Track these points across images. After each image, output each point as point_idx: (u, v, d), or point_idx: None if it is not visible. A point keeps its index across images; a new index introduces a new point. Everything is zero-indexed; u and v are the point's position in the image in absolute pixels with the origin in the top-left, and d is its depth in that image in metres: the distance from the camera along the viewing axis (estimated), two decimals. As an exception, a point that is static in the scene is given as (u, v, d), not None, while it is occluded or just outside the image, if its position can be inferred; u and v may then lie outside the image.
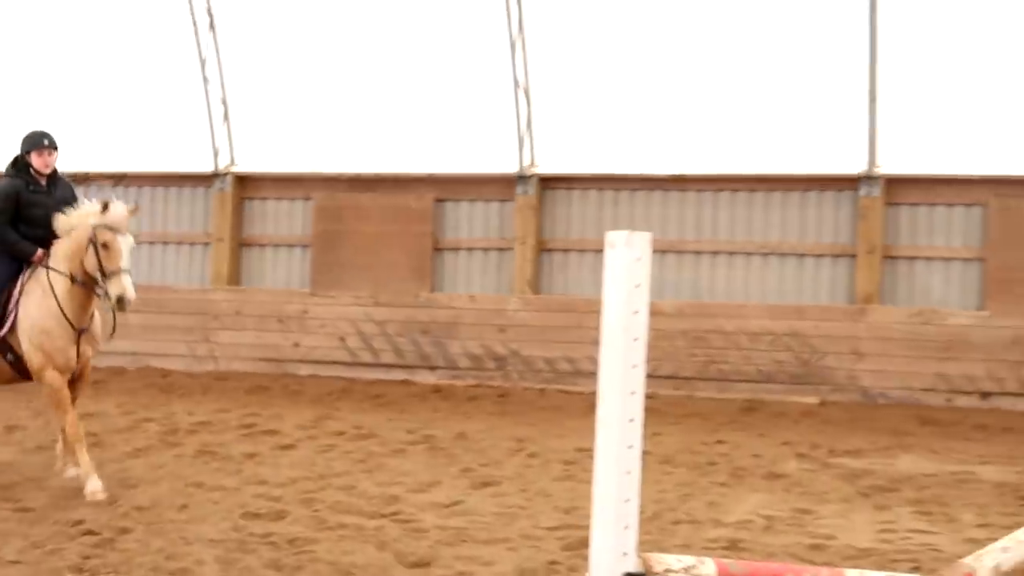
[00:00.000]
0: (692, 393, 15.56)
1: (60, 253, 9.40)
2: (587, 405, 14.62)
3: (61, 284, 9.31)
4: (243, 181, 18.54)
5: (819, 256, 16.27)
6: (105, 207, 9.20)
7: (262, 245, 18.54)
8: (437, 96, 17.23)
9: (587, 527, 8.06)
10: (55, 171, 9.74)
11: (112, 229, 9.16)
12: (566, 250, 17.25)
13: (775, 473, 10.82)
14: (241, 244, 18.56)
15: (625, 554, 3.66)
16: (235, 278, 18.42)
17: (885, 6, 15.42)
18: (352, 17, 17.49)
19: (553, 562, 7.52)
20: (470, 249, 17.61)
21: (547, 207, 17.31)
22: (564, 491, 9.86)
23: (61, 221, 9.40)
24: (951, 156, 15.59)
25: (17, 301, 9.38)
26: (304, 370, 17.32)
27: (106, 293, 9.15)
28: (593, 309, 16.15)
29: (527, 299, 16.92)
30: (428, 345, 17.10)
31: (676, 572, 3.76)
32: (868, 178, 15.91)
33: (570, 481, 10.32)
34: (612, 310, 3.72)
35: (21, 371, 9.48)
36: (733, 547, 7.90)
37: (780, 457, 11.68)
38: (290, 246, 18.38)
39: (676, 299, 16.10)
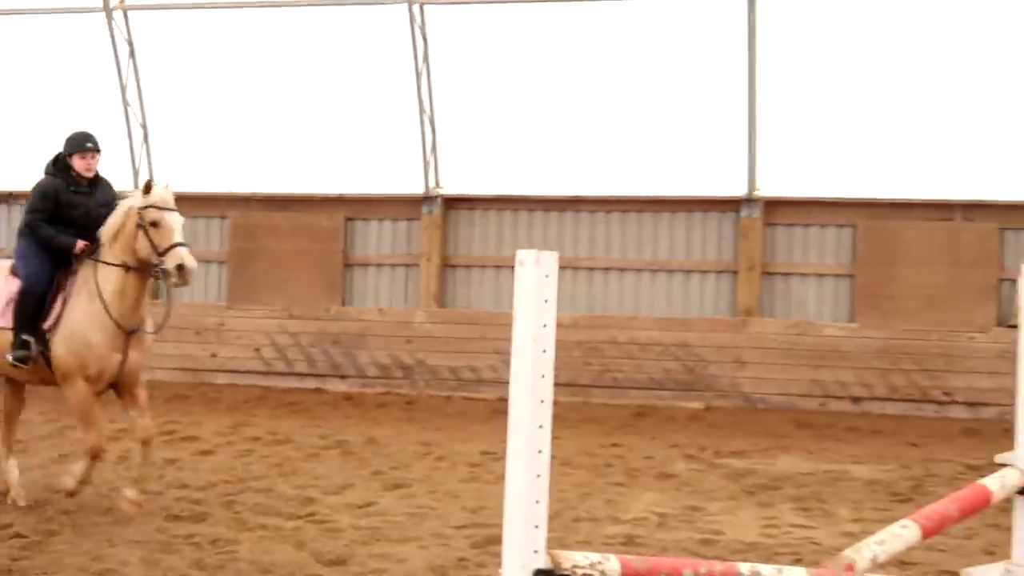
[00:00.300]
0: (588, 399, 15.62)
1: (109, 247, 8.58)
2: (489, 411, 14.66)
3: (112, 279, 8.49)
4: (162, 200, 18.27)
5: (704, 272, 16.46)
6: (148, 188, 8.49)
7: (180, 261, 18.28)
8: (347, 122, 17.18)
9: (493, 525, 8.12)
10: (97, 172, 8.97)
11: (158, 207, 8.43)
12: (469, 266, 17.25)
13: (666, 473, 10.91)
14: (160, 260, 18.29)
15: (536, 552, 3.67)
16: (154, 292, 18.12)
17: (763, 43, 15.68)
18: (268, 47, 17.39)
19: (462, 559, 7.51)
20: (379, 265, 17.54)
21: (451, 226, 17.31)
22: (471, 492, 9.86)
23: (109, 223, 8.61)
24: (824, 181, 15.89)
25: (65, 300, 8.56)
26: (221, 379, 17.10)
27: (163, 272, 8.39)
28: (494, 321, 16.27)
29: (432, 312, 16.89)
30: (339, 355, 16.98)
31: (583, 568, 3.78)
32: (748, 201, 16.13)
33: (476, 482, 10.32)
34: (522, 323, 3.74)
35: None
36: (630, 543, 7.95)
37: (670, 458, 11.78)
38: (207, 262, 18.12)
39: (572, 312, 16.14)
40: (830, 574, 4.70)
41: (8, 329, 8.61)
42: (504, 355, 15.74)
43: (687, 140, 16.14)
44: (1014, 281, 15.01)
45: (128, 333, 8.56)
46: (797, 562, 7.14)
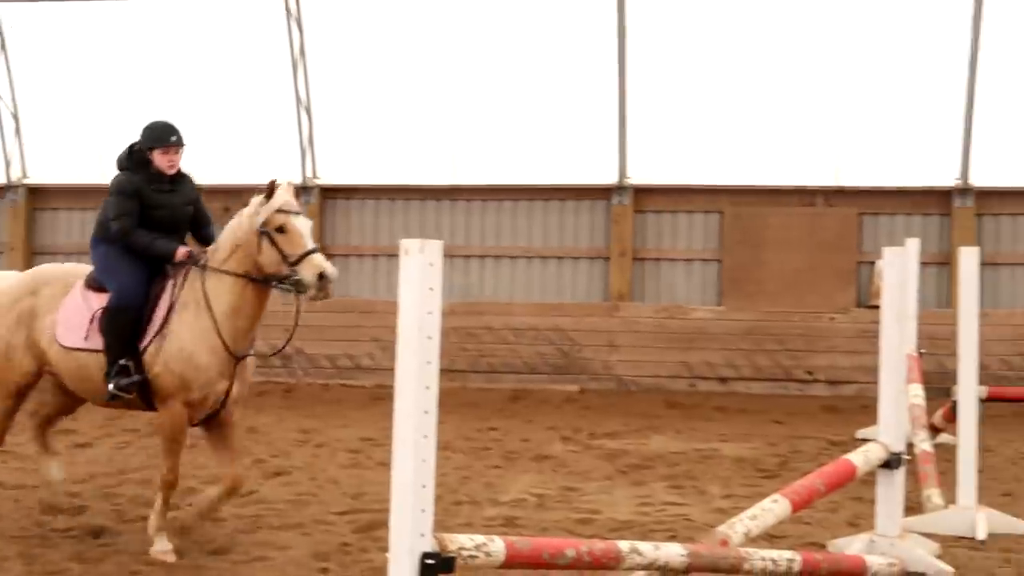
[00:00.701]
0: (465, 384, 15.63)
1: (227, 261, 7.20)
2: (367, 398, 14.60)
3: (227, 293, 7.14)
4: (35, 192, 17.83)
5: (577, 259, 16.59)
6: (271, 190, 7.16)
7: (55, 254, 17.80)
8: (224, 112, 16.88)
9: (375, 511, 8.07)
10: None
11: (284, 211, 7.13)
12: (346, 255, 17.11)
13: (543, 455, 10.97)
14: (34, 253, 17.80)
15: (422, 535, 3.67)
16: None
17: (633, 35, 15.82)
18: (144, 38, 17.02)
19: (345, 544, 7.47)
20: (256, 254, 17.29)
21: (328, 215, 17.17)
22: (351, 478, 9.79)
23: (227, 233, 7.28)
24: (692, 168, 16.12)
25: (166, 314, 7.17)
26: (98, 371, 16.72)
27: (298, 284, 7.01)
28: (372, 309, 16.21)
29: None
30: (217, 345, 16.73)
31: (469, 550, 3.79)
32: (619, 188, 16.30)
33: (356, 468, 10.26)
34: (407, 311, 3.73)
35: (146, 398, 7.25)
36: (510, 524, 7.98)
37: (547, 441, 11.84)
38: (82, 254, 17.67)
39: (449, 299, 16.12)
40: (706, 549, 4.78)
41: (94, 351, 7.25)
42: (382, 342, 15.71)
43: (560, 130, 16.24)
44: (872, 264, 15.42)
45: (237, 359, 7.22)
46: (671, 538, 7.22)
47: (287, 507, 8.61)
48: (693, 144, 16.05)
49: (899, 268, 6.67)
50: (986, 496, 8.39)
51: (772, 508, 5.35)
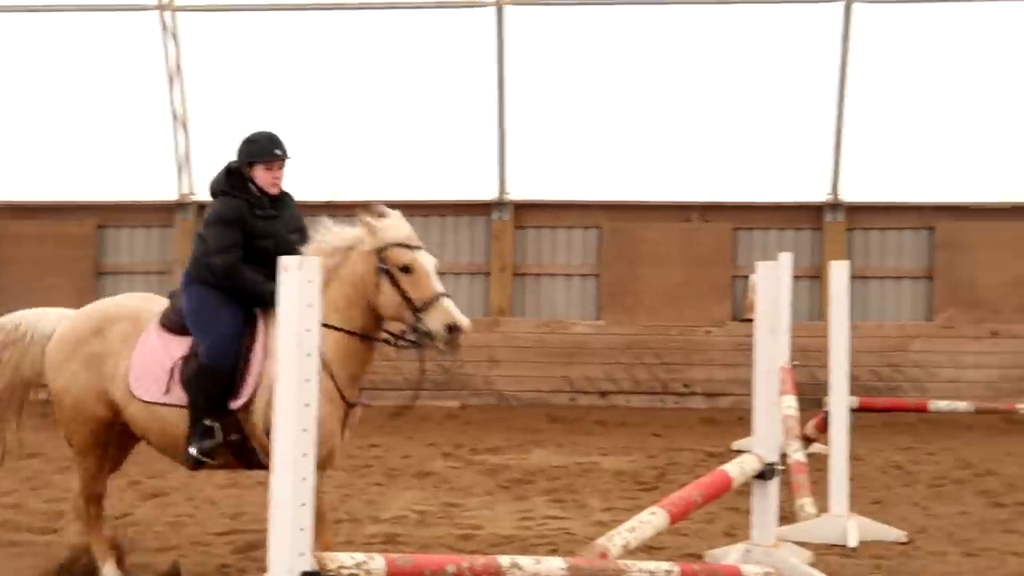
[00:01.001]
0: (345, 402, 15.50)
1: (329, 300, 6.05)
2: (248, 416, 14.36)
3: (334, 339, 6.14)
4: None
5: (458, 274, 16.58)
6: (375, 218, 6.24)
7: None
8: (98, 127, 16.57)
9: (253, 531, 7.97)
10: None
11: (408, 246, 6.21)
12: (224, 272, 16.88)
13: (424, 472, 10.94)
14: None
15: (302, 554, 3.65)
16: None
17: (512, 52, 15.91)
18: (12, 50, 16.65)
19: (224, 565, 7.36)
20: (131, 273, 16.96)
21: (205, 232, 16.91)
22: (229, 498, 9.65)
23: (324, 266, 5.38)
24: (571, 184, 16.27)
25: (263, 364, 6.22)
26: (-34, 392, 16.24)
27: (426, 336, 6.10)
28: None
29: (188, 318, 16.46)
30: (91, 364, 16.36)
31: (349, 568, 3.78)
32: (499, 204, 16.37)
33: (234, 488, 10.08)
34: (286, 328, 3.72)
35: (244, 458, 6.44)
36: (391, 541, 7.95)
37: (428, 457, 11.81)
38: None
39: (329, 315, 16.02)
40: (585, 562, 4.81)
41: (173, 406, 6.40)
42: (261, 360, 15.50)
43: (440, 146, 16.27)
44: (746, 278, 15.70)
45: (350, 407, 6.39)
46: (553, 552, 7.26)
47: (164, 529, 8.47)
48: (572, 160, 16.22)
49: (772, 282, 6.78)
50: (857, 504, 8.59)
51: (650, 520, 5.40)
